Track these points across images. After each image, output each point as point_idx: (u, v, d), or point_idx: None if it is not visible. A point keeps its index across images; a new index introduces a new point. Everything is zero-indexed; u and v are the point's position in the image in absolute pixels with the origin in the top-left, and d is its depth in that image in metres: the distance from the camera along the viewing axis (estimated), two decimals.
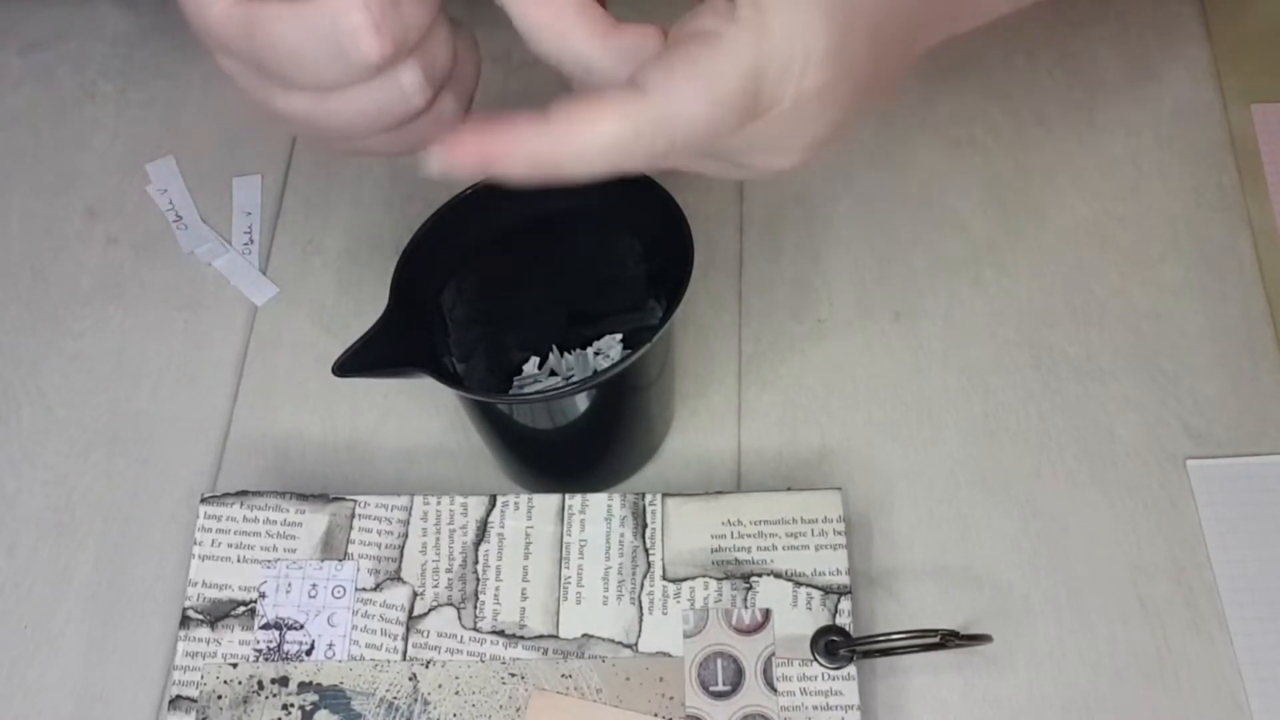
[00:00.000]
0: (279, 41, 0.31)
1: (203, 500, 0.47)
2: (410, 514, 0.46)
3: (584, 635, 0.44)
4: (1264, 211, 0.55)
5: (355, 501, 0.47)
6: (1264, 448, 0.50)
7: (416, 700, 0.43)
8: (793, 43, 0.32)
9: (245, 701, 0.43)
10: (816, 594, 0.44)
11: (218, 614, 0.45)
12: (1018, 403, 0.51)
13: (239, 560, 0.46)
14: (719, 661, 0.43)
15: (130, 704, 0.47)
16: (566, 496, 0.47)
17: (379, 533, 0.46)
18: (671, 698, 0.43)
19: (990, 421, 0.51)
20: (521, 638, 0.44)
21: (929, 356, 0.53)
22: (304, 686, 0.44)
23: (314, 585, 0.45)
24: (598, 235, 0.47)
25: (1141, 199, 0.56)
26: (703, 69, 0.32)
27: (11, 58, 0.64)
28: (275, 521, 0.46)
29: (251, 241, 0.58)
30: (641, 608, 0.45)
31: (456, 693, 0.43)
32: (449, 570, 0.45)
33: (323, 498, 0.47)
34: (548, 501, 0.46)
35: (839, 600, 0.44)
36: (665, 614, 0.44)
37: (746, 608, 0.44)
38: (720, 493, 0.47)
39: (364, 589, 0.45)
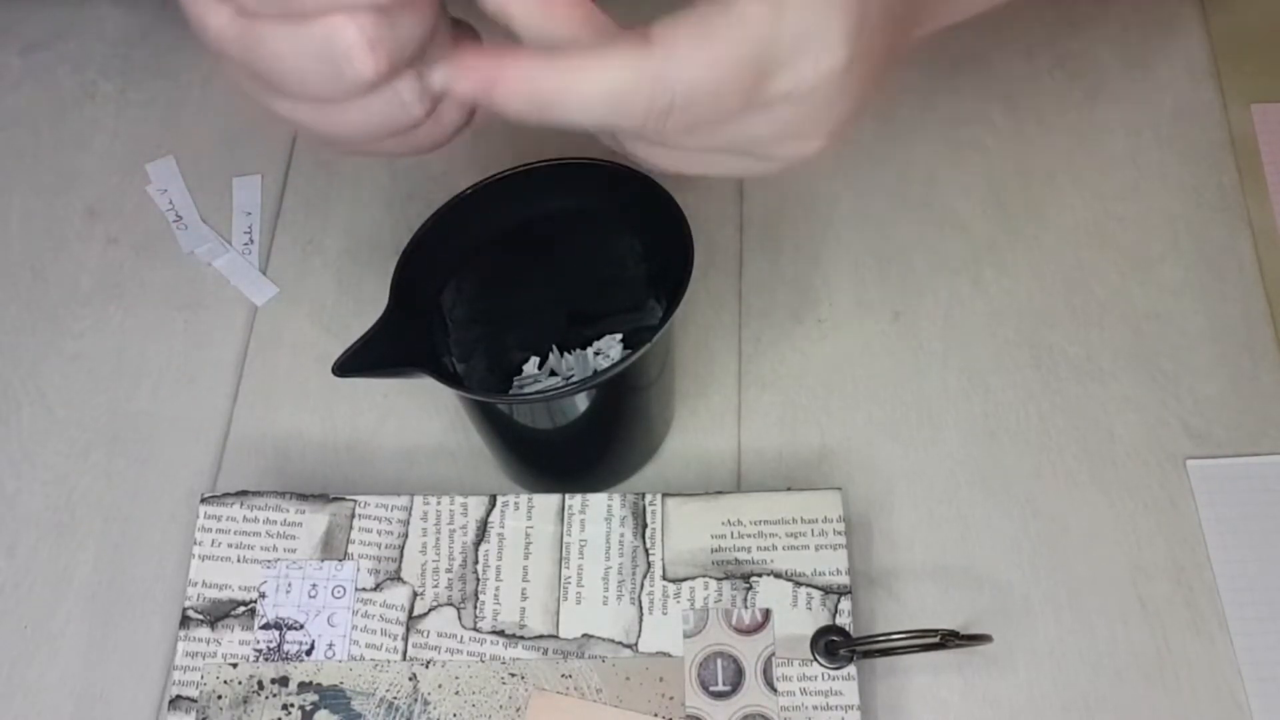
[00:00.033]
0: (277, 58, 0.32)
1: (203, 500, 0.47)
2: (410, 514, 0.46)
3: (584, 635, 0.44)
4: (1264, 211, 0.55)
5: (355, 501, 0.47)
6: (1264, 448, 0.50)
7: (416, 700, 0.43)
8: (808, 21, 0.32)
9: (245, 701, 0.43)
10: (816, 594, 0.44)
11: (218, 614, 0.45)
12: (1018, 403, 0.51)
13: (239, 560, 0.46)
14: (719, 661, 0.43)
15: (130, 704, 0.47)
16: (566, 496, 0.47)
17: (379, 533, 0.46)
18: (671, 698, 0.43)
19: (990, 421, 0.51)
20: (521, 638, 0.44)
21: (929, 356, 0.53)
22: (304, 686, 0.44)
23: (314, 585, 0.45)
24: (598, 235, 0.47)
25: (1141, 199, 0.56)
26: (710, 30, 0.32)
27: (11, 58, 0.64)
28: (275, 521, 0.46)
29: (251, 241, 0.58)
30: (641, 608, 0.45)
31: (456, 693, 0.43)
32: (449, 570, 0.45)
33: (323, 498, 0.47)
34: (548, 501, 0.46)
35: (839, 600, 0.44)
36: (665, 614, 0.44)
37: (746, 608, 0.44)
38: (720, 493, 0.47)
39: (364, 589, 0.45)
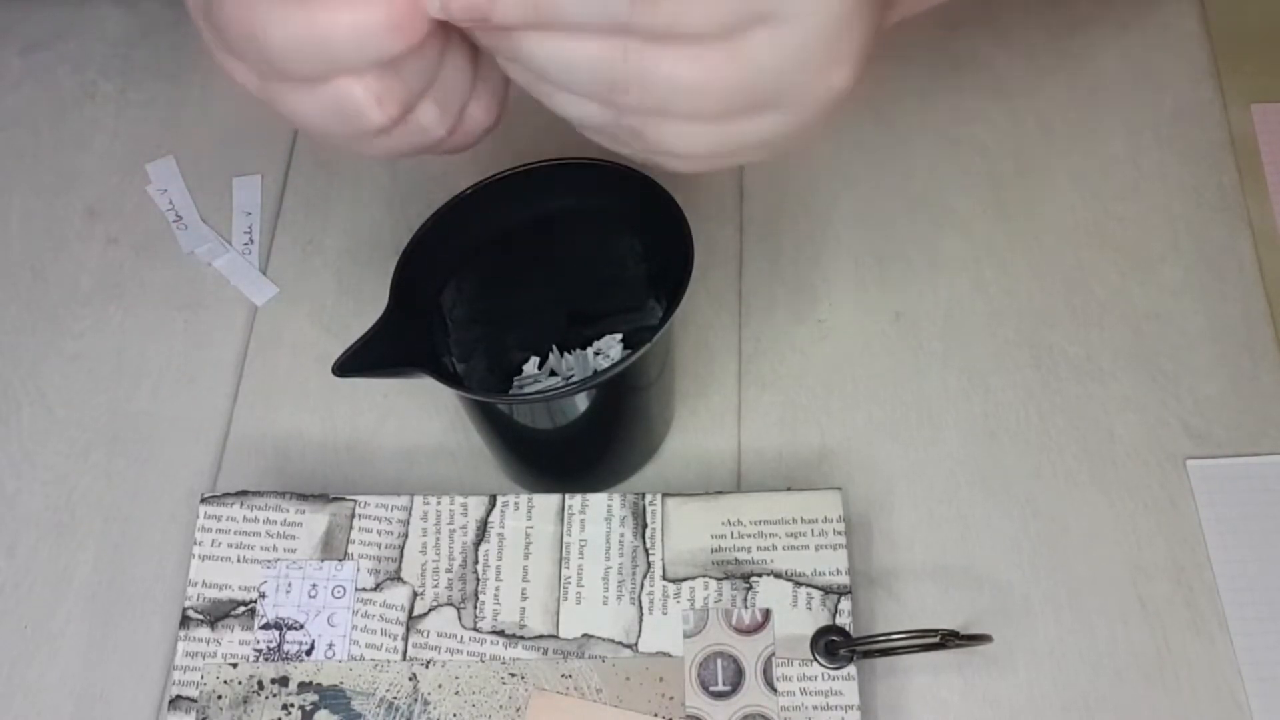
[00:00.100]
0: (298, 113, 0.34)
1: (203, 500, 0.47)
2: (410, 514, 0.46)
3: (584, 635, 0.44)
4: (1264, 211, 0.55)
5: (355, 501, 0.47)
6: (1264, 448, 0.50)
7: (416, 700, 0.43)
8: None
9: (245, 701, 0.43)
10: (816, 594, 0.44)
11: (218, 614, 0.45)
12: (1018, 403, 0.51)
13: (239, 560, 0.46)
14: (719, 661, 0.43)
15: (130, 704, 0.47)
16: (566, 496, 0.47)
17: (379, 533, 0.46)
18: (671, 698, 0.43)
19: (990, 421, 0.51)
20: (521, 638, 0.44)
21: (929, 356, 0.53)
22: (304, 686, 0.44)
23: (314, 585, 0.45)
24: (598, 235, 0.47)
25: (1141, 199, 0.56)
26: None
27: (11, 58, 0.64)
28: (275, 521, 0.46)
29: (251, 241, 0.58)
30: (641, 608, 0.45)
31: (456, 693, 0.43)
32: (449, 570, 0.46)
33: (323, 498, 0.47)
34: (548, 501, 0.46)
35: (839, 600, 0.44)
36: (665, 614, 0.44)
37: (746, 608, 0.44)
38: (720, 493, 0.47)
39: (364, 589, 0.45)
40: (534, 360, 0.51)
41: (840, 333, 0.54)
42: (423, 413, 0.53)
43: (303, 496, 0.47)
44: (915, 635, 0.42)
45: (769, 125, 0.34)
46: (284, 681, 0.44)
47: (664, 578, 0.45)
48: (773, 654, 0.43)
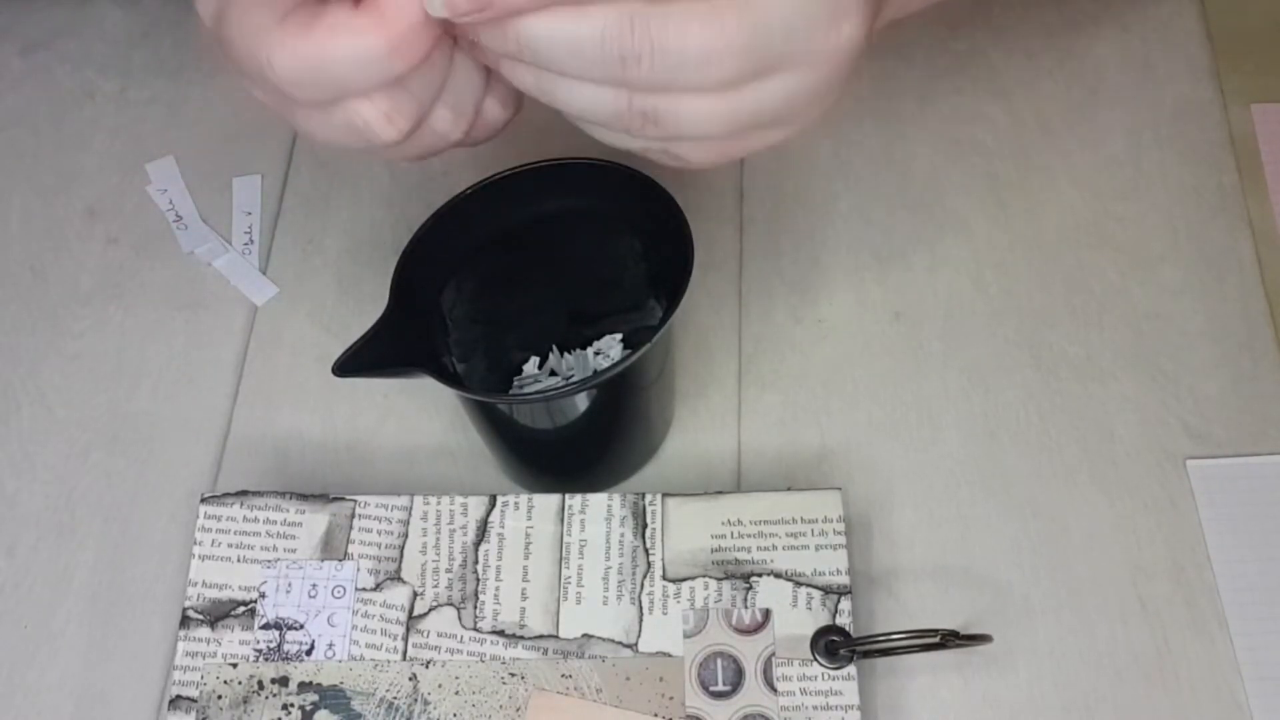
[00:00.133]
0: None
1: (203, 500, 0.47)
2: (410, 514, 0.46)
3: (584, 635, 0.44)
4: (1264, 211, 0.55)
5: (355, 501, 0.47)
6: (1264, 448, 0.50)
7: (416, 700, 0.43)
8: None
9: (245, 701, 0.43)
10: (816, 594, 0.44)
11: (218, 614, 0.45)
12: (1018, 403, 0.51)
13: (239, 560, 0.46)
14: (719, 661, 0.43)
15: (130, 704, 0.47)
16: (566, 496, 0.47)
17: (379, 533, 0.46)
18: (671, 698, 0.43)
19: (990, 421, 0.51)
20: (521, 638, 0.44)
21: (929, 356, 0.53)
22: (304, 686, 0.44)
23: (314, 585, 0.45)
24: (598, 235, 0.47)
25: (1141, 199, 0.56)
26: None
27: (11, 58, 0.64)
28: (275, 521, 0.46)
29: (251, 241, 0.58)
30: (641, 608, 0.45)
31: (456, 693, 0.43)
32: (449, 570, 0.46)
33: (323, 498, 0.47)
34: (548, 501, 0.46)
35: (839, 600, 0.44)
36: (665, 614, 0.44)
37: (746, 608, 0.44)
38: (720, 493, 0.47)
39: (364, 589, 0.45)
40: (534, 360, 0.51)
41: (840, 333, 0.54)
42: (423, 413, 0.53)
43: (303, 496, 0.47)
44: (915, 635, 0.42)
45: (783, 90, 0.34)
46: (284, 681, 0.44)
47: (664, 578, 0.45)
48: (773, 654, 0.43)
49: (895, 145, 0.58)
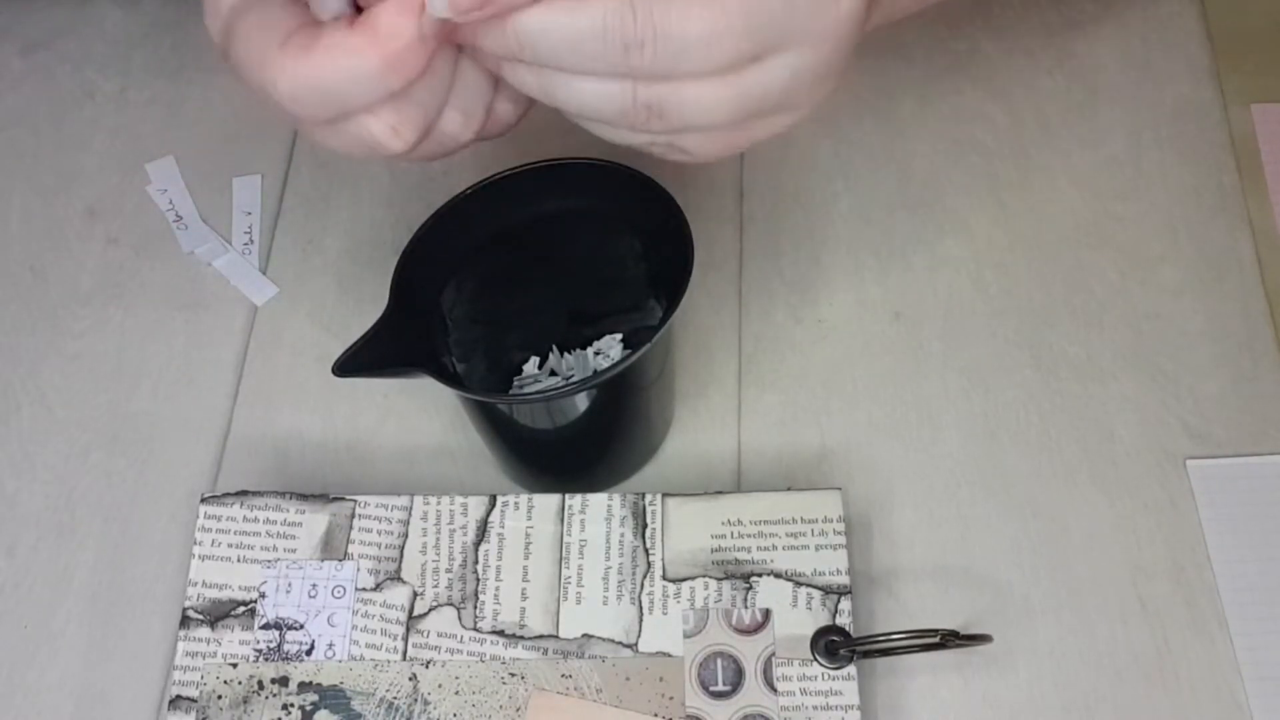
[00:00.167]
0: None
1: (203, 500, 0.47)
2: (410, 514, 0.46)
3: (584, 635, 0.44)
4: (1264, 211, 0.55)
5: (355, 501, 0.47)
6: (1264, 448, 0.50)
7: (416, 700, 0.43)
8: None
9: (245, 701, 0.43)
10: (816, 594, 0.44)
11: (218, 614, 0.45)
12: (1018, 403, 0.51)
13: (239, 560, 0.46)
14: (719, 661, 0.43)
15: (130, 704, 0.47)
16: (566, 496, 0.47)
17: (379, 533, 0.46)
18: (671, 698, 0.43)
19: (990, 421, 0.51)
20: (521, 638, 0.44)
21: (929, 356, 0.53)
22: (304, 686, 0.44)
23: (314, 585, 0.45)
24: (598, 235, 0.47)
25: (1141, 199, 0.56)
26: None
27: (11, 58, 0.64)
28: (275, 521, 0.46)
29: (251, 241, 0.58)
30: (641, 608, 0.45)
31: (456, 693, 0.43)
32: (449, 570, 0.45)
33: (323, 498, 0.47)
34: (548, 501, 0.46)
35: (839, 600, 0.44)
36: (665, 614, 0.44)
37: (746, 608, 0.44)
38: (720, 493, 0.47)
39: (364, 589, 0.45)
40: (534, 360, 0.51)
41: (840, 333, 0.54)
42: (423, 413, 0.53)
43: (303, 496, 0.47)
44: (915, 635, 0.42)
45: (786, 70, 0.34)
46: (284, 681, 0.44)
47: (664, 578, 0.45)
48: (773, 654, 0.43)
49: (895, 145, 0.58)
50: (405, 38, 0.32)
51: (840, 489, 0.46)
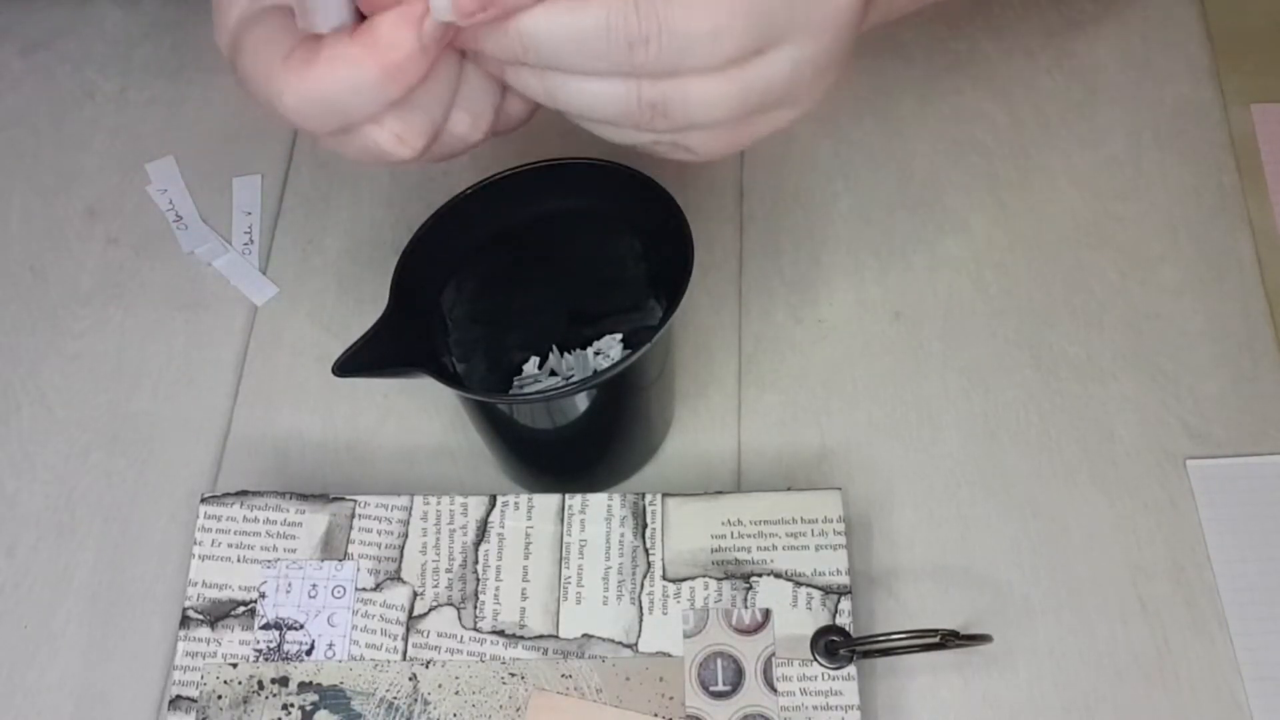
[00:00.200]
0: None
1: (203, 500, 0.47)
2: (410, 514, 0.46)
3: (584, 635, 0.44)
4: (1264, 211, 0.55)
5: (355, 501, 0.47)
6: (1264, 448, 0.50)
7: (416, 700, 0.43)
8: None
9: (245, 701, 0.43)
10: (816, 594, 0.44)
11: (218, 614, 0.45)
12: (1018, 403, 0.51)
13: (239, 560, 0.46)
14: (719, 661, 0.43)
15: (130, 704, 0.47)
16: (566, 496, 0.47)
17: (379, 533, 0.46)
18: (671, 698, 0.43)
19: (990, 421, 0.51)
20: (521, 638, 0.44)
21: (929, 356, 0.53)
22: (304, 686, 0.44)
23: (314, 585, 0.45)
24: (598, 235, 0.47)
25: (1141, 199, 0.56)
26: None
27: (11, 58, 0.64)
28: (275, 521, 0.46)
29: (251, 241, 0.58)
30: (641, 608, 0.45)
31: (456, 693, 0.43)
32: (449, 570, 0.45)
33: (323, 498, 0.47)
34: (548, 501, 0.46)
35: (839, 600, 0.44)
36: (665, 614, 0.44)
37: (746, 608, 0.44)
38: (720, 493, 0.47)
39: (364, 589, 0.45)
40: (534, 360, 0.51)
41: (840, 333, 0.54)
42: (423, 413, 0.53)
43: (303, 496, 0.47)
44: (915, 635, 0.42)
45: (788, 63, 0.34)
46: (284, 681, 0.44)
47: (664, 578, 0.45)
48: (773, 654, 0.43)
49: (895, 145, 0.58)
50: (405, 48, 0.32)
51: (840, 489, 0.46)
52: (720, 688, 0.43)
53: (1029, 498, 0.49)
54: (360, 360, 0.41)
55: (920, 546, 0.48)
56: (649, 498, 0.46)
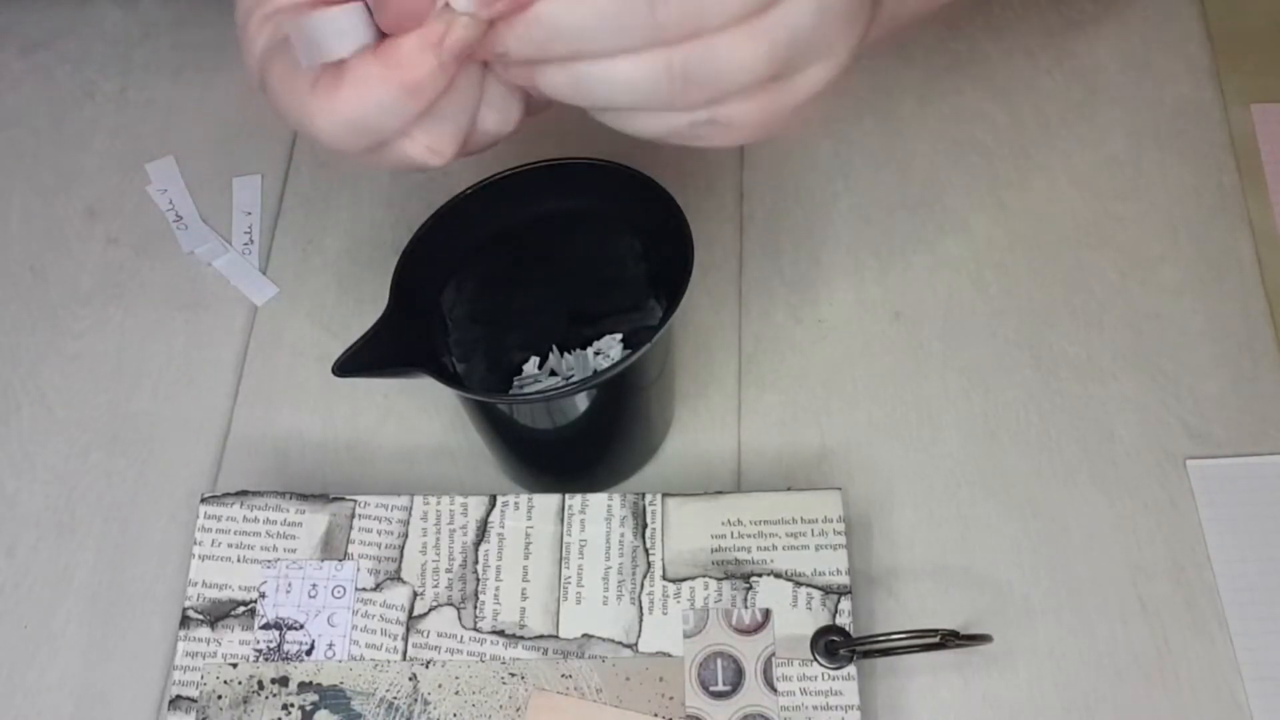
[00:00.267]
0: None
1: (203, 500, 0.47)
2: (410, 514, 0.46)
3: (584, 635, 0.44)
4: (1264, 211, 0.55)
5: (355, 501, 0.47)
6: (1264, 448, 0.50)
7: (416, 700, 0.43)
8: None
9: (245, 701, 0.43)
10: (816, 594, 0.44)
11: (218, 614, 0.45)
12: (1018, 403, 0.51)
13: (239, 560, 0.46)
14: (719, 661, 0.43)
15: (130, 704, 0.47)
16: (566, 496, 0.47)
17: (379, 533, 0.46)
18: (671, 698, 0.43)
19: (990, 421, 0.51)
20: (521, 638, 0.44)
21: (929, 356, 0.53)
22: (304, 686, 0.44)
23: (314, 585, 0.45)
24: (598, 235, 0.47)
25: (1141, 199, 0.56)
26: None
27: (11, 58, 0.64)
28: (275, 521, 0.46)
29: (251, 241, 0.58)
30: (641, 608, 0.45)
31: (456, 693, 0.43)
32: (449, 570, 0.46)
33: (323, 498, 0.47)
34: (548, 501, 0.46)
35: (839, 600, 0.44)
36: (665, 614, 0.44)
37: (746, 608, 0.44)
38: (720, 493, 0.47)
39: (364, 589, 0.45)
40: (534, 360, 0.51)
41: (840, 332, 0.54)
42: (423, 413, 0.53)
43: (303, 496, 0.47)
44: (915, 635, 0.42)
45: (811, 4, 0.33)
46: (284, 681, 0.44)
47: (664, 578, 0.45)
48: (773, 654, 0.43)
49: (895, 145, 0.58)
50: (426, 68, 0.33)
51: (840, 489, 0.46)
52: (720, 688, 0.43)
53: (1029, 498, 0.49)
54: (360, 360, 0.41)
55: (920, 546, 0.48)
56: (649, 498, 0.46)
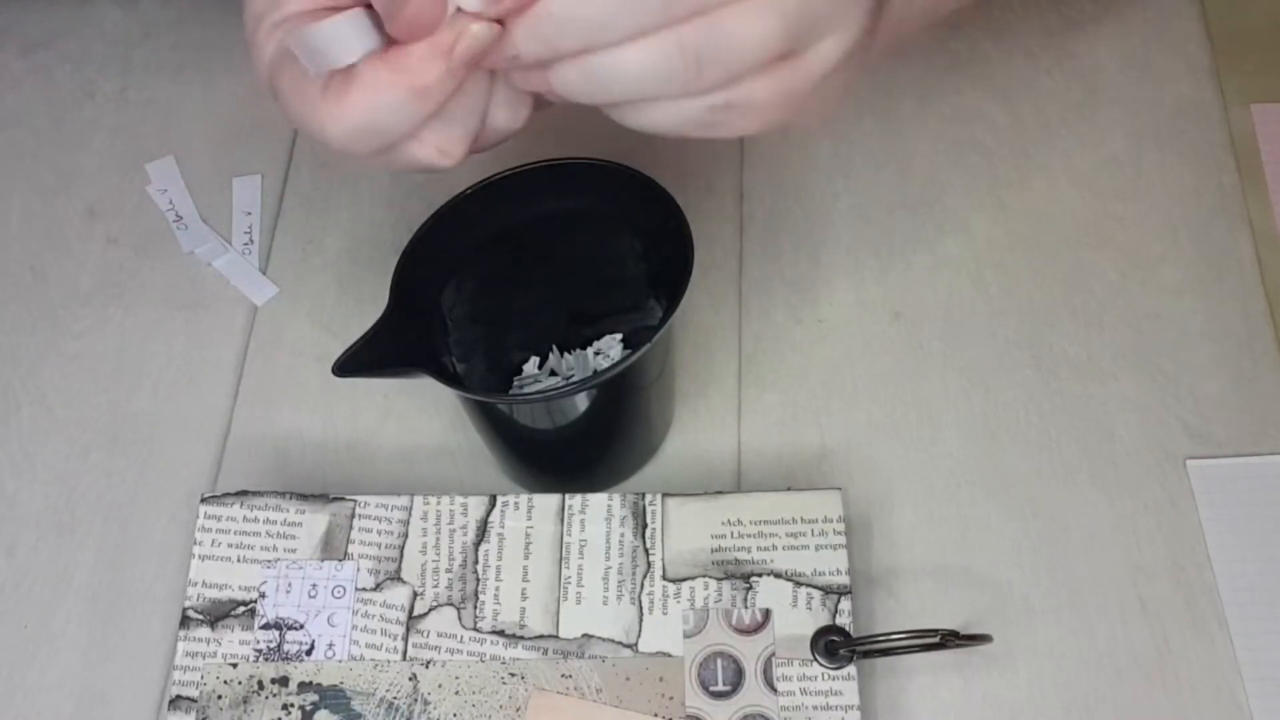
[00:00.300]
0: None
1: (203, 500, 0.47)
2: (410, 514, 0.46)
3: (584, 635, 0.44)
4: (1264, 211, 0.55)
5: (355, 501, 0.47)
6: (1264, 448, 0.50)
7: (416, 700, 0.43)
8: None
9: (245, 701, 0.43)
10: (816, 594, 0.44)
11: (218, 614, 0.45)
12: (1018, 403, 0.51)
13: (239, 560, 0.46)
14: (719, 661, 0.43)
15: (130, 704, 0.47)
16: (566, 496, 0.47)
17: (379, 533, 0.46)
18: (671, 698, 0.43)
19: (990, 421, 0.51)
20: (521, 638, 0.44)
21: (929, 356, 0.53)
22: (304, 686, 0.44)
23: (314, 585, 0.45)
24: (598, 235, 0.47)
25: (1141, 199, 0.56)
26: None
27: (11, 58, 0.64)
28: (275, 521, 0.46)
29: (251, 241, 0.58)
30: (641, 608, 0.45)
31: (456, 693, 0.43)
32: (449, 570, 0.46)
33: (323, 498, 0.47)
34: (548, 501, 0.46)
35: (839, 600, 0.44)
36: (665, 614, 0.44)
37: (746, 608, 0.44)
38: (720, 493, 0.47)
39: (364, 589, 0.45)
40: (534, 360, 0.51)
41: (840, 333, 0.54)
42: (423, 413, 0.53)
43: (303, 496, 0.47)
44: (915, 635, 0.42)
45: (784, 78, 0.33)
46: (284, 681, 0.44)
47: (664, 578, 0.45)
48: (773, 654, 0.43)
49: (895, 145, 0.58)
50: (435, 73, 0.33)
51: (840, 489, 0.46)
52: (720, 688, 0.43)
53: (1029, 498, 0.49)
54: (360, 360, 0.41)
55: (920, 546, 0.48)
56: (649, 498, 0.46)
